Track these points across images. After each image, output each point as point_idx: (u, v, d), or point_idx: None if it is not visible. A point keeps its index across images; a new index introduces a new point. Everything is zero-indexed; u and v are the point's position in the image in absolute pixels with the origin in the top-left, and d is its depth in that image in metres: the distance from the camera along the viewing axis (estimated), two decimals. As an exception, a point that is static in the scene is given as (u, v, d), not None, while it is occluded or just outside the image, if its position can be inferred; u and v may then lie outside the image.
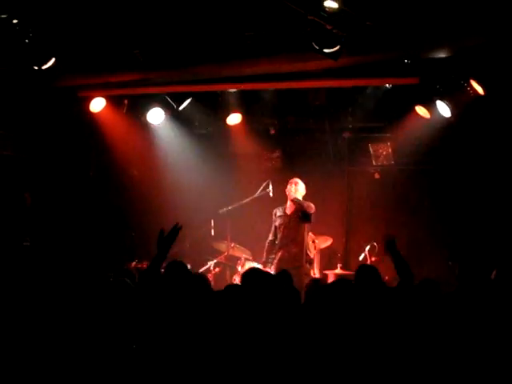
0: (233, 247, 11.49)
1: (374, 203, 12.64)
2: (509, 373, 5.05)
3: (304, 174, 11.69)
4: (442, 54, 9.30)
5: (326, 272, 11.44)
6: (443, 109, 10.72)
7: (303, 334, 5.15)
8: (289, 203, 10.74)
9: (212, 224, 11.73)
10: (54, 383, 5.29)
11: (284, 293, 5.76)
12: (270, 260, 10.70)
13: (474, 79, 10.05)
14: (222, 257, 11.54)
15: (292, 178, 10.92)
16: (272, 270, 10.21)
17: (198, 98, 11.99)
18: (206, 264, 11.36)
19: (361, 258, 11.06)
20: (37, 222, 12.33)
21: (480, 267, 5.66)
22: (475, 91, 10.13)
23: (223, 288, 5.87)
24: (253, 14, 8.61)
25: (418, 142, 11.95)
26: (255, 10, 8.43)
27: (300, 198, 10.70)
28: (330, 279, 10.90)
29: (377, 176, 12.67)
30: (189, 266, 6.65)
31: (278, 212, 10.82)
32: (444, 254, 11.32)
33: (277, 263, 10.51)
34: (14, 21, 8.59)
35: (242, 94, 12.00)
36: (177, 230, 6.11)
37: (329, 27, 8.11)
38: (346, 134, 12.72)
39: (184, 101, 11.87)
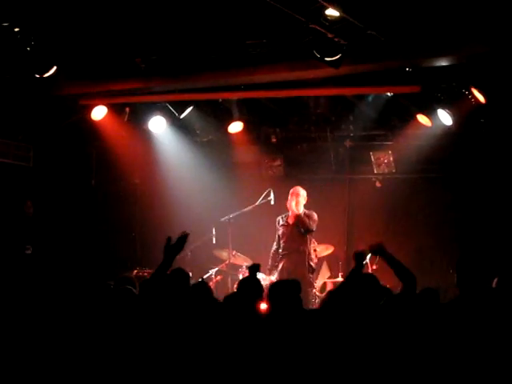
0: (234, 255, 11.47)
1: (375, 211, 12.62)
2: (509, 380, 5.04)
3: (305, 182, 11.67)
4: (443, 63, 9.31)
5: (327, 281, 11.43)
6: (444, 117, 10.72)
7: (301, 343, 5.15)
8: (291, 212, 10.71)
9: (213, 232, 11.70)
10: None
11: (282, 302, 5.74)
12: (274, 268, 10.69)
13: (476, 88, 10.06)
14: (224, 265, 11.52)
15: (293, 186, 10.86)
16: (275, 279, 10.20)
17: (199, 106, 12.00)
18: (208, 272, 11.34)
19: (362, 266, 11.01)
20: (39, 230, 12.34)
21: (480, 275, 5.64)
22: (476, 100, 10.13)
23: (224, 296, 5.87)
24: (254, 22, 8.62)
25: (419, 151, 11.95)
26: (257, 18, 8.44)
27: (302, 208, 10.65)
28: (329, 287, 10.90)
29: (378, 184, 12.66)
30: (190, 274, 6.63)
31: (281, 221, 10.79)
32: (446, 262, 11.30)
33: (279, 273, 10.49)
34: (16, 29, 8.62)
35: (244, 103, 12.01)
36: (184, 237, 6.06)
37: (330, 35, 8.12)
38: (348, 143, 12.71)
39: (185, 109, 11.87)
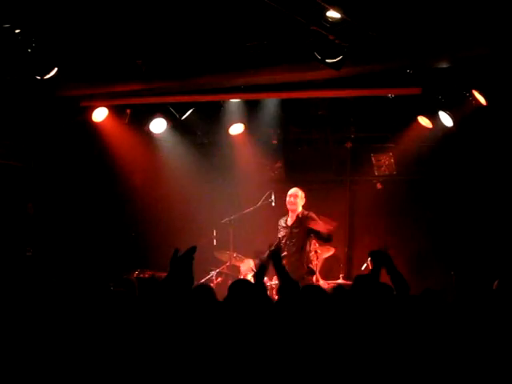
0: (235, 257, 11.47)
1: (376, 213, 12.62)
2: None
3: (306, 184, 11.67)
4: (444, 65, 9.30)
5: (328, 282, 11.41)
6: (446, 119, 10.72)
7: (302, 343, 5.15)
8: (290, 214, 10.71)
9: (214, 234, 11.71)
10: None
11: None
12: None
13: (477, 90, 10.06)
14: (224, 267, 11.51)
15: (292, 187, 10.86)
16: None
17: (200, 107, 12.00)
18: (208, 274, 11.34)
19: (363, 267, 11.01)
20: (39, 231, 12.34)
21: (478, 277, 5.65)
22: (477, 102, 10.14)
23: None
24: (255, 24, 8.62)
25: (420, 153, 11.94)
26: (257, 20, 8.44)
27: (300, 208, 10.65)
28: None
29: (379, 186, 12.65)
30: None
31: (282, 223, 10.79)
32: (447, 265, 11.29)
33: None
34: (17, 30, 8.61)
35: (245, 104, 12.02)
36: (192, 250, 5.96)
37: (331, 37, 8.12)
38: (349, 144, 12.72)
39: (186, 111, 11.87)
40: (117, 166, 13.13)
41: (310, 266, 10.57)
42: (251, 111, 12.21)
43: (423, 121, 11.14)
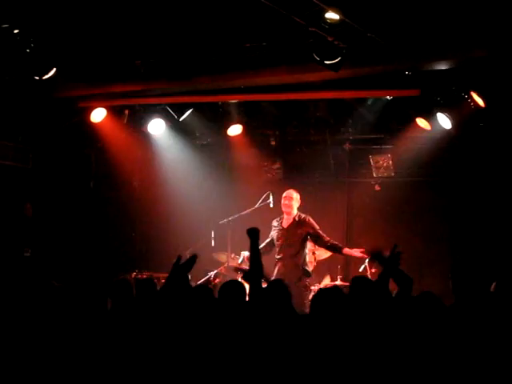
0: (233, 258, 11.45)
1: (374, 215, 12.62)
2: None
3: (304, 185, 11.66)
4: (442, 67, 9.31)
5: (326, 284, 11.41)
6: (444, 121, 10.72)
7: (298, 345, 5.14)
8: (286, 216, 10.67)
9: (212, 235, 11.70)
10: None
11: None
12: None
13: (475, 91, 10.06)
14: (222, 268, 11.50)
15: (290, 189, 10.83)
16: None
17: (198, 108, 11.99)
18: (206, 275, 11.33)
19: (361, 269, 11.01)
20: (38, 232, 12.33)
21: (476, 279, 5.64)
22: (476, 103, 10.14)
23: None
24: (254, 25, 8.62)
25: (418, 154, 11.95)
26: (256, 21, 8.44)
27: (295, 211, 10.61)
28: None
29: (377, 188, 12.65)
30: (189, 277, 6.63)
31: (276, 224, 10.74)
32: (445, 267, 11.28)
33: (275, 277, 10.44)
34: (16, 31, 8.61)
35: (243, 105, 12.02)
36: (193, 260, 6.07)
37: (330, 39, 8.12)
38: (347, 146, 12.72)
39: (185, 111, 11.87)
40: (115, 167, 13.12)
41: (306, 268, 10.54)
42: (250, 112, 12.22)
43: (421, 122, 11.14)
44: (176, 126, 12.41)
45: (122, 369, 5.33)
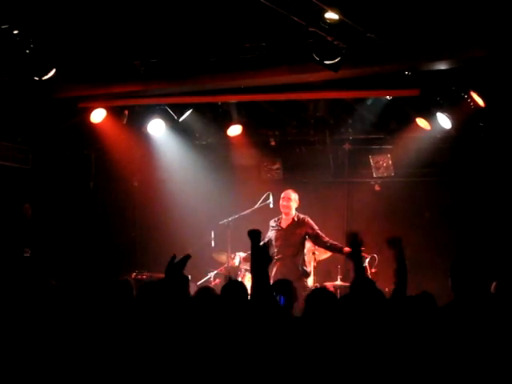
0: (233, 258, 11.46)
1: (374, 215, 12.61)
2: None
3: (304, 185, 11.67)
4: (442, 66, 9.31)
5: (326, 284, 11.40)
6: (444, 121, 10.72)
7: (294, 345, 5.15)
8: (284, 217, 10.67)
9: (212, 235, 11.70)
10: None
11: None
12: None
13: (475, 91, 10.06)
14: (223, 268, 11.51)
15: (290, 189, 10.83)
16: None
17: (198, 109, 11.99)
18: (206, 275, 11.34)
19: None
20: (37, 232, 12.33)
21: (475, 278, 5.64)
22: (476, 103, 10.14)
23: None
24: (253, 25, 8.61)
25: (418, 154, 11.95)
26: (256, 21, 8.43)
27: (294, 211, 10.61)
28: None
29: (377, 188, 12.66)
30: (189, 277, 6.64)
31: (274, 224, 10.73)
32: (445, 266, 11.26)
33: (273, 277, 10.45)
34: (15, 31, 8.61)
35: (243, 106, 12.02)
36: (186, 259, 6.11)
37: (329, 39, 8.11)
38: (347, 146, 12.72)
39: (184, 112, 11.86)
40: (115, 168, 13.12)
41: (305, 268, 10.54)
42: (249, 112, 12.22)
43: (421, 122, 11.14)
44: (176, 127, 12.40)
45: (121, 369, 5.33)
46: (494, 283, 6.46)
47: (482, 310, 5.47)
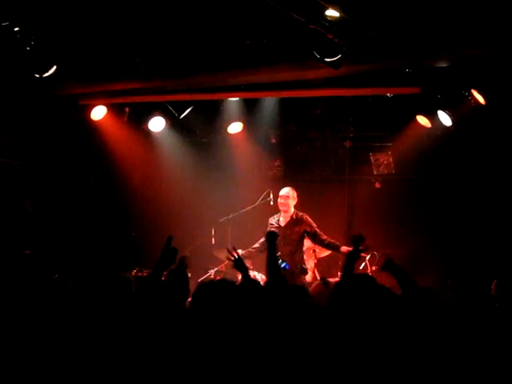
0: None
1: (374, 212, 12.61)
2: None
3: (305, 183, 11.67)
4: (443, 64, 9.30)
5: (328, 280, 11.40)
6: (444, 118, 10.72)
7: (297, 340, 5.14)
8: (283, 214, 10.66)
9: (213, 232, 11.71)
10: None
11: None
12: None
13: (476, 89, 10.06)
14: (223, 265, 11.51)
15: (291, 186, 10.82)
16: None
17: (198, 106, 11.99)
18: (207, 272, 11.34)
19: (361, 267, 11.01)
20: (38, 229, 12.32)
21: (473, 277, 5.65)
22: (476, 101, 10.13)
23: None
24: (254, 22, 8.62)
25: (419, 152, 11.93)
26: (256, 18, 8.44)
27: (292, 209, 10.60)
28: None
29: (378, 185, 12.66)
30: (189, 275, 6.64)
31: (273, 222, 10.72)
32: (445, 265, 11.29)
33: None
34: (16, 28, 8.61)
35: (243, 103, 12.02)
36: (182, 260, 6.11)
37: (330, 36, 8.12)
38: (347, 143, 12.73)
39: (185, 109, 11.87)
40: (115, 165, 13.12)
41: (303, 265, 10.54)
42: (250, 110, 12.22)
43: (422, 120, 11.14)
44: (176, 124, 12.40)
45: (121, 367, 5.33)
46: (494, 282, 6.46)
47: (481, 309, 5.47)
